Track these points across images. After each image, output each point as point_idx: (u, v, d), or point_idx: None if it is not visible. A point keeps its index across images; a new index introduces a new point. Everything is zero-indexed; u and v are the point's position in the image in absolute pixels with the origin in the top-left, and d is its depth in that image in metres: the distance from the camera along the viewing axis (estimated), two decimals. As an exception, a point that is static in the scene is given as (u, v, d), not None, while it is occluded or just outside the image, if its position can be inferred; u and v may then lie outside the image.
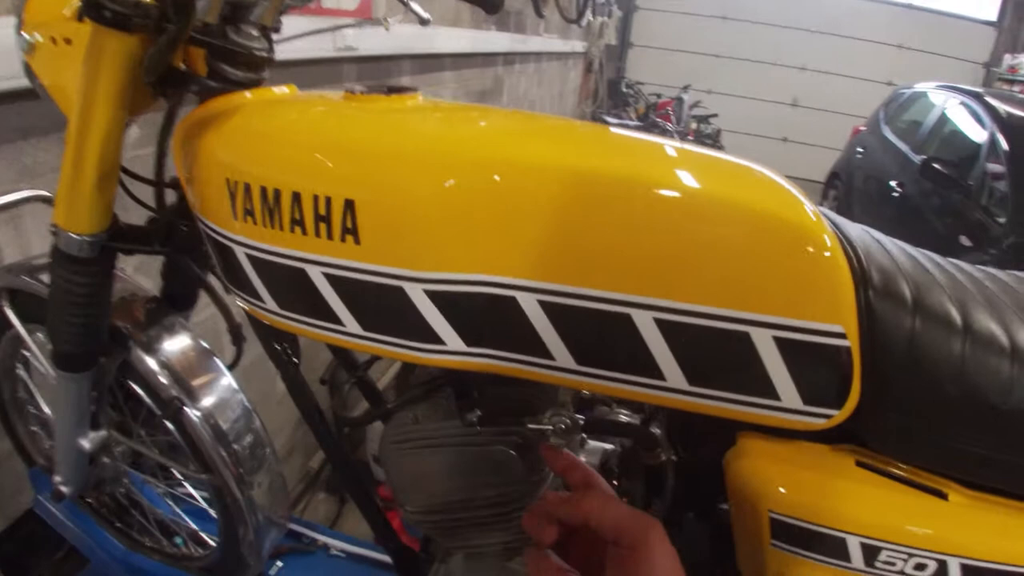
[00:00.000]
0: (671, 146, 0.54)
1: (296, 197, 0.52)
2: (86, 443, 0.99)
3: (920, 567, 0.52)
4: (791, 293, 0.46)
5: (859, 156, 4.12)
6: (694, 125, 5.78)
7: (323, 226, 0.51)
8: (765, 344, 0.47)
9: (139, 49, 0.57)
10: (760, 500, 0.52)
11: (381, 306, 0.53)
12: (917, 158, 3.18)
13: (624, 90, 6.55)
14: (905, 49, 6.38)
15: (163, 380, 0.88)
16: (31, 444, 1.17)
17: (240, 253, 0.59)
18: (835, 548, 0.52)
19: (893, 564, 0.52)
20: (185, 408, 0.87)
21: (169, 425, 0.91)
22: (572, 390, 0.62)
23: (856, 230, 0.57)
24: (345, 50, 1.82)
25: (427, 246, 0.49)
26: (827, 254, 0.47)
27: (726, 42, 6.87)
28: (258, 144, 0.56)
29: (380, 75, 2.37)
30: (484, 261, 0.48)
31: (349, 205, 0.50)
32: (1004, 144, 2.75)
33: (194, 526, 1.17)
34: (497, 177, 0.48)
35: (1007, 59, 5.92)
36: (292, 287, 0.56)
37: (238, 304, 0.67)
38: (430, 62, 2.74)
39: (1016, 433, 0.49)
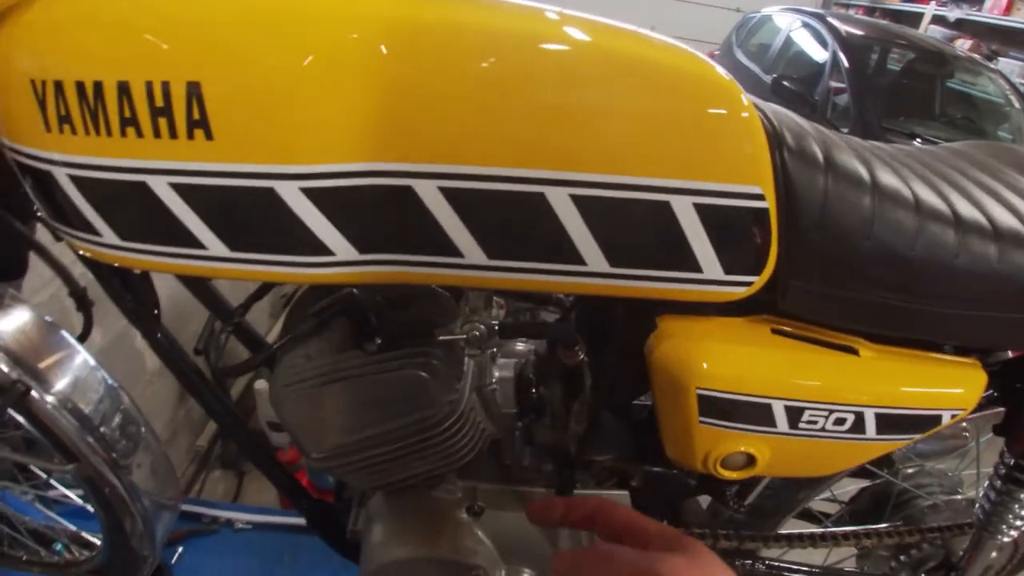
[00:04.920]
0: (575, 13, 0.49)
1: (124, 88, 0.41)
2: (-85, 459, 0.82)
3: (840, 421, 0.54)
4: (710, 155, 0.44)
5: (716, 79, 4.32)
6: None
7: (163, 122, 0.41)
8: (686, 212, 0.44)
9: None
10: (687, 378, 0.51)
11: (249, 216, 0.44)
12: (768, 78, 3.38)
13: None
14: (750, -26, 6.73)
15: (-3, 362, 0.74)
16: None
17: (61, 176, 0.46)
18: (761, 415, 0.53)
19: (815, 423, 0.53)
20: (32, 392, 0.74)
21: (16, 415, 0.77)
22: (485, 294, 0.57)
23: (758, 99, 0.56)
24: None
25: (298, 133, 0.41)
26: (744, 114, 0.44)
27: (585, -31, 6.88)
28: (68, 30, 0.44)
29: None
30: (370, 145, 0.41)
31: (193, 89, 0.40)
32: (845, 61, 2.98)
33: (73, 528, 1.05)
34: (378, 41, 0.40)
35: (844, -18, 6.41)
36: (132, 208, 0.46)
37: (71, 245, 0.55)
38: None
39: (922, 279, 0.51)
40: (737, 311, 0.54)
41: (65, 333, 0.81)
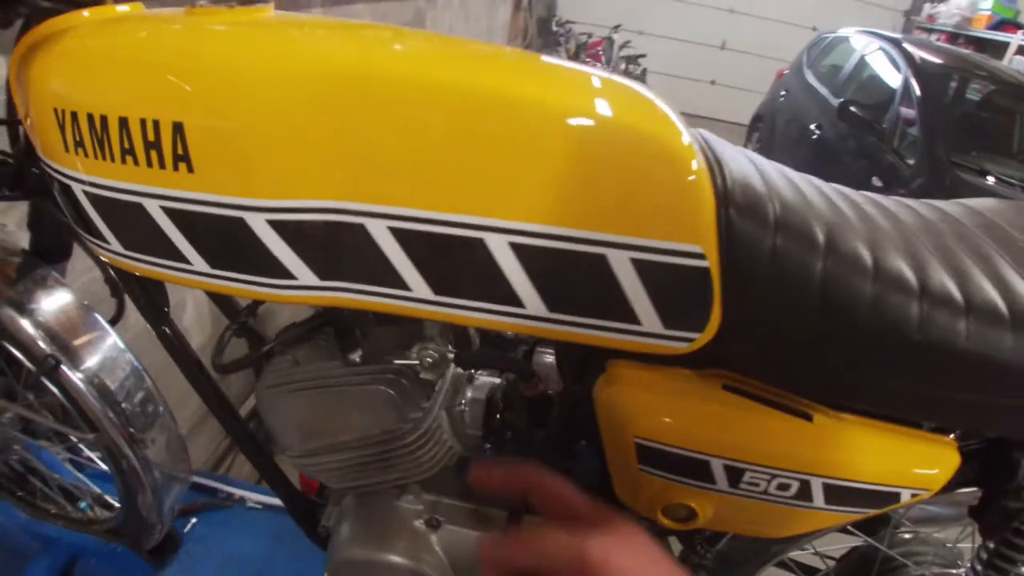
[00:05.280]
0: (534, 58, 0.51)
1: (123, 123, 0.47)
2: (-38, 411, 0.92)
3: (783, 487, 0.53)
4: (649, 213, 0.45)
5: (782, 99, 4.20)
6: (623, 66, 5.71)
7: (154, 154, 0.46)
8: (623, 266, 0.45)
9: None
10: (625, 426, 0.52)
11: (225, 240, 0.49)
12: (835, 101, 3.27)
13: (555, 29, 6.40)
14: (829, -6, 6.45)
15: (34, 336, 0.82)
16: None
17: (78, 190, 0.53)
18: (699, 471, 0.53)
19: (757, 484, 0.53)
20: (62, 365, 0.82)
21: (49, 384, 0.86)
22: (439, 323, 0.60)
23: (732, 152, 0.55)
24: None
25: (264, 170, 0.45)
26: (691, 177, 0.45)
27: (658, -19, 6.78)
28: (83, 67, 0.50)
29: (286, 7, 2.20)
30: (327, 185, 0.45)
31: (178, 128, 0.45)
32: (917, 89, 2.84)
33: (98, 489, 1.14)
34: (335, 92, 0.44)
35: (927, 8, 6.10)
36: (132, 224, 0.51)
37: (89, 246, 0.61)
38: (343, -9, 2.58)
39: (875, 352, 0.49)
40: (691, 363, 0.54)
41: (98, 316, 0.89)
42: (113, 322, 0.92)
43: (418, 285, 0.47)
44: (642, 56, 5.81)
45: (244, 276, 0.50)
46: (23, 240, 0.87)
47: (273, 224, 0.46)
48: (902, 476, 0.54)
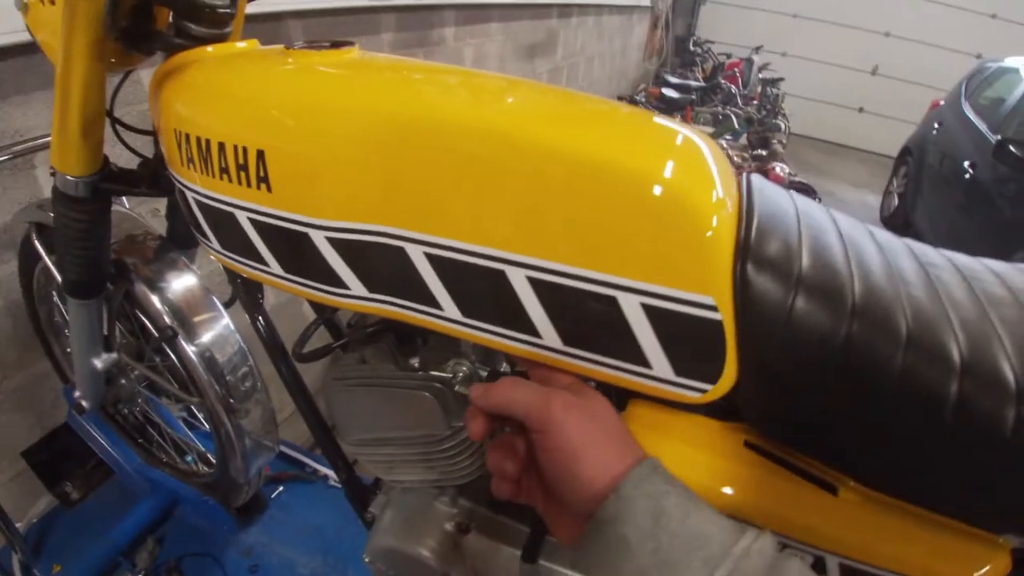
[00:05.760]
0: (573, 98, 0.53)
1: (221, 147, 0.56)
2: (99, 363, 1.09)
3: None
4: (661, 261, 0.45)
5: (935, 132, 3.83)
6: (759, 88, 5.47)
7: (243, 174, 0.55)
8: (633, 310, 0.46)
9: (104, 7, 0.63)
10: (637, 466, 0.53)
11: (293, 250, 0.56)
12: (993, 138, 2.94)
13: (691, 48, 6.25)
14: (999, 19, 5.76)
15: (160, 310, 0.96)
16: (66, 364, 1.30)
17: (190, 197, 0.64)
18: None
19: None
20: (178, 335, 0.96)
21: (168, 350, 1.00)
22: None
23: (775, 203, 0.54)
24: (382, -1, 1.84)
25: (326, 195, 0.52)
26: (708, 233, 0.45)
27: (807, 2, 6.42)
28: (198, 98, 0.61)
29: (420, 26, 2.36)
30: (374, 211, 0.51)
31: (260, 155, 0.53)
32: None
33: (202, 447, 1.29)
34: (387, 131, 0.49)
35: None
36: (227, 230, 0.61)
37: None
38: (476, 12, 2.70)
39: (900, 430, 0.45)
40: (711, 414, 0.54)
41: (215, 298, 1.03)
42: (227, 305, 1.05)
43: (449, 306, 0.52)
44: (780, 79, 5.54)
45: (308, 281, 0.58)
46: (162, 228, 1.03)
47: (331, 240, 0.53)
48: (933, 572, 0.50)
